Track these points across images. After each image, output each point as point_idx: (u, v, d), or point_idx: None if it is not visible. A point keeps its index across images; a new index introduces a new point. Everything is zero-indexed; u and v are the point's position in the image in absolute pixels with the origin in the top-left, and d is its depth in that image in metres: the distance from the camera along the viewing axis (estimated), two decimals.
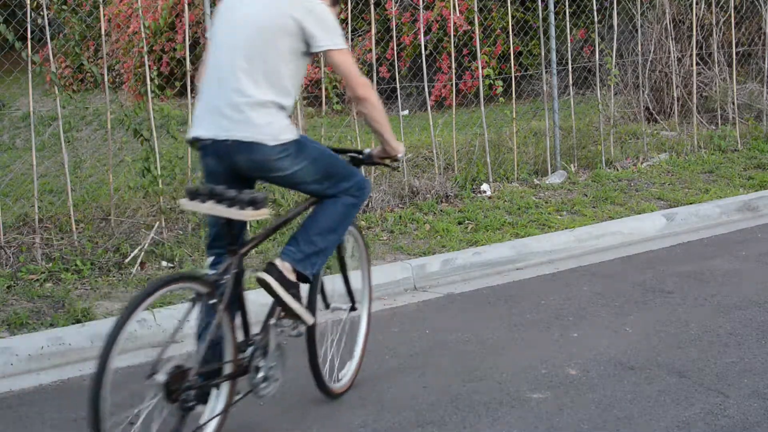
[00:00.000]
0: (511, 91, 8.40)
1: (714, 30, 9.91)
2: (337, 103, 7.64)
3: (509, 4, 8.59)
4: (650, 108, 10.34)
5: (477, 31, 8.39)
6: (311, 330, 4.05)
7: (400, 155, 4.07)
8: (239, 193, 3.60)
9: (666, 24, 9.98)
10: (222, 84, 3.72)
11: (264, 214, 3.60)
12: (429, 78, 8.03)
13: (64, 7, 6.90)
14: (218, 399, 3.70)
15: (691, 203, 7.59)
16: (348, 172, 3.95)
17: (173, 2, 13.31)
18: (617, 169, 8.74)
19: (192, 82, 6.95)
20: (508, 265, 6.35)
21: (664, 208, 7.48)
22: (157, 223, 6.43)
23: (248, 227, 4.40)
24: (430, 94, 8.63)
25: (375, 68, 8.14)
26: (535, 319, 5.26)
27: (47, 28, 6.27)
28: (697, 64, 9.99)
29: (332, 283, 4.28)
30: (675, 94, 9.75)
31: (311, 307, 3.96)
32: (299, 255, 3.82)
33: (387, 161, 4.13)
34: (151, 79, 6.54)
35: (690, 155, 9.18)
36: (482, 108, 8.17)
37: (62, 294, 5.47)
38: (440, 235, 6.76)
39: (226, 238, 3.74)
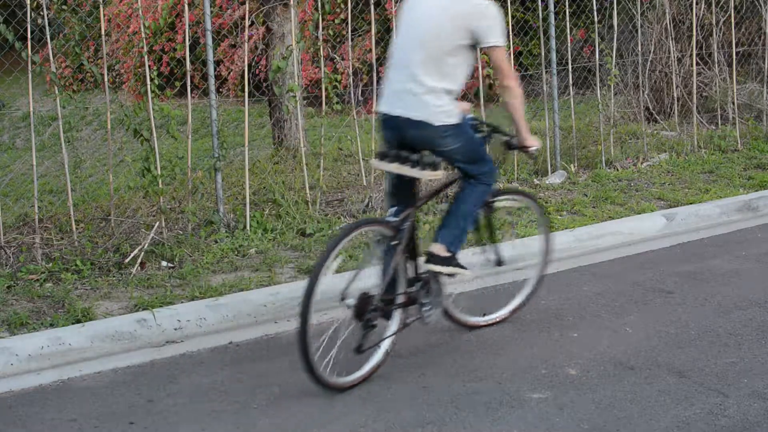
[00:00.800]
0: None
1: (714, 30, 9.91)
2: (337, 103, 7.64)
3: (509, 4, 8.58)
4: (650, 108, 10.34)
5: None
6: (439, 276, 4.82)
7: (531, 148, 4.75)
8: (422, 157, 4.48)
9: (666, 24, 9.97)
10: (402, 71, 4.52)
11: (439, 175, 4.54)
12: None
13: (64, 7, 6.91)
14: (392, 322, 4.58)
15: (691, 203, 7.59)
16: (487, 158, 4.72)
17: (173, 2, 13.32)
18: (617, 169, 8.74)
19: (192, 81, 6.96)
20: (507, 265, 6.33)
21: (664, 208, 7.47)
22: (157, 223, 6.43)
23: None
24: None
25: (375, 68, 8.14)
26: (535, 319, 5.26)
27: (47, 28, 6.26)
28: (697, 64, 10.00)
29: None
30: (675, 94, 9.75)
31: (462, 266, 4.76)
32: (450, 237, 4.67)
33: (525, 151, 4.79)
34: (151, 79, 6.54)
35: (690, 155, 9.18)
36: (482, 108, 8.16)
37: (62, 294, 5.47)
38: None
39: (404, 193, 4.63)
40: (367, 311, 4.33)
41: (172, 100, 9.45)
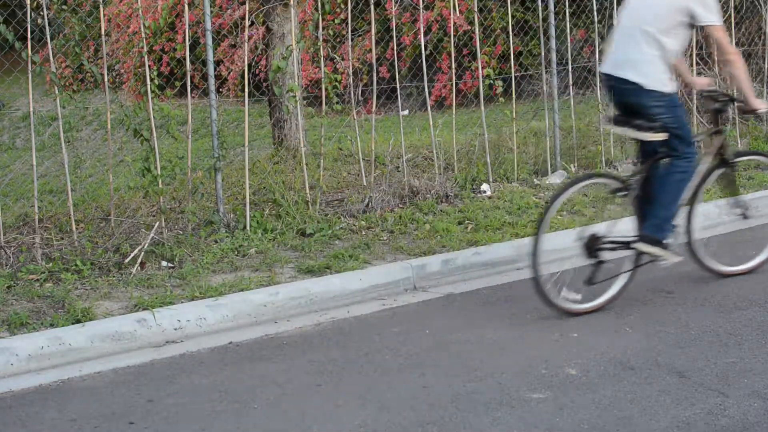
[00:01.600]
0: (511, 91, 8.39)
1: None
2: (337, 103, 7.64)
3: (509, 4, 8.58)
4: None
5: (477, 31, 8.39)
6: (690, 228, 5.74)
7: (760, 110, 5.46)
8: (643, 122, 5.18)
9: None
10: (626, 40, 5.27)
11: (660, 136, 5.19)
12: (429, 78, 8.03)
13: (64, 7, 6.90)
14: (627, 262, 5.40)
15: (691, 203, 7.56)
16: (691, 142, 5.35)
17: (173, 2, 13.32)
18: (617, 169, 8.73)
19: (192, 81, 6.95)
20: (508, 265, 6.34)
21: None
22: (157, 223, 6.43)
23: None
24: (430, 94, 8.62)
25: (375, 68, 8.13)
26: (535, 319, 5.26)
27: (47, 28, 6.26)
28: (697, 64, 10.00)
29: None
30: None
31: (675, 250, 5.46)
32: (655, 229, 5.33)
33: (754, 113, 5.57)
34: (151, 79, 6.54)
35: None
36: (482, 108, 8.16)
37: (62, 294, 5.47)
38: (440, 235, 6.76)
39: (640, 150, 5.40)
40: (595, 249, 5.23)
41: (172, 100, 9.45)
